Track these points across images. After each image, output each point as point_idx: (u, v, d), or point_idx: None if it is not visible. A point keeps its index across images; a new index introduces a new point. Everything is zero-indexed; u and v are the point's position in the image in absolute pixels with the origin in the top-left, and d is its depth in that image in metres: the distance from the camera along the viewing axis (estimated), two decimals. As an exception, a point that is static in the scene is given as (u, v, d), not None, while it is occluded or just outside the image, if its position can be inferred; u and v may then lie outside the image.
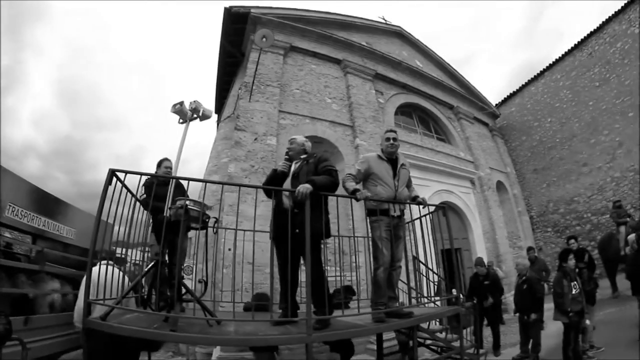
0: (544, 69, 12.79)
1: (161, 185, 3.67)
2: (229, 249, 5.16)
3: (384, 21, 11.87)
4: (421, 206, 3.28)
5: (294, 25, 8.52)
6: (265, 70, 7.39)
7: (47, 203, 4.10)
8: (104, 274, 2.40)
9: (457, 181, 10.36)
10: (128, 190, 2.76)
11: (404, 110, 10.89)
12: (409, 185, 3.35)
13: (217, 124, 11.79)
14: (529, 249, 6.95)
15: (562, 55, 12.15)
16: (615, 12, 10.51)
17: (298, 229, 2.44)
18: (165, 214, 2.62)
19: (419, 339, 4.89)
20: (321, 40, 9.05)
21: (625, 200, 8.26)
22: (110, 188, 2.43)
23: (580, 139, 11.21)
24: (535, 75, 13.15)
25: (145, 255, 3.88)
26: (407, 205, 3.27)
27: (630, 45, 10.01)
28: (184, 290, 2.55)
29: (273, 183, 2.87)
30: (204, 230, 2.80)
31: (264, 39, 5.11)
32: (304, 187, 2.46)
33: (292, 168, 2.93)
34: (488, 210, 10.61)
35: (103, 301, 2.26)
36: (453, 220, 9.02)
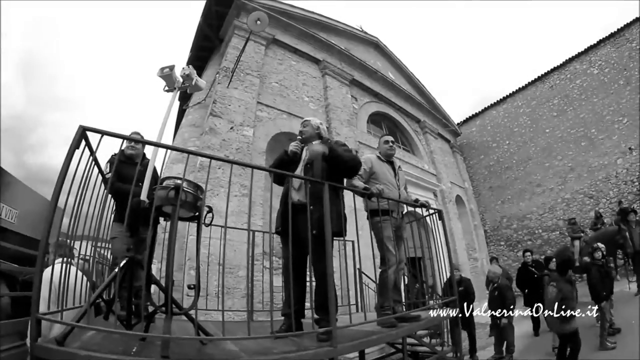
0: (506, 95, 13.70)
1: (129, 165, 3.01)
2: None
3: (361, 30, 11.98)
4: (423, 209, 3.21)
5: (278, 17, 8.21)
6: (246, 58, 6.96)
7: None
8: (63, 277, 1.72)
9: (421, 192, 10.56)
10: (96, 162, 2.21)
11: (375, 119, 11.02)
12: (405, 188, 3.32)
13: (181, 110, 10.98)
14: (492, 259, 7.25)
15: (525, 84, 13.11)
16: (578, 52, 11.71)
17: (315, 230, 2.05)
18: (142, 198, 1.99)
19: (396, 345, 4.75)
20: (302, 37, 8.90)
21: (574, 219, 8.94)
22: (76, 156, 1.84)
23: (535, 162, 12.12)
24: (497, 100, 14.03)
25: (97, 251, 3.15)
26: (405, 207, 3.17)
27: (588, 84, 11.17)
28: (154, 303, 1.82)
29: (281, 168, 2.43)
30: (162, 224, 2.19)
31: (258, 22, 4.72)
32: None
33: (304, 154, 2.50)
34: (449, 222, 10.92)
35: (61, 318, 1.58)
36: (415, 230, 9.17)
